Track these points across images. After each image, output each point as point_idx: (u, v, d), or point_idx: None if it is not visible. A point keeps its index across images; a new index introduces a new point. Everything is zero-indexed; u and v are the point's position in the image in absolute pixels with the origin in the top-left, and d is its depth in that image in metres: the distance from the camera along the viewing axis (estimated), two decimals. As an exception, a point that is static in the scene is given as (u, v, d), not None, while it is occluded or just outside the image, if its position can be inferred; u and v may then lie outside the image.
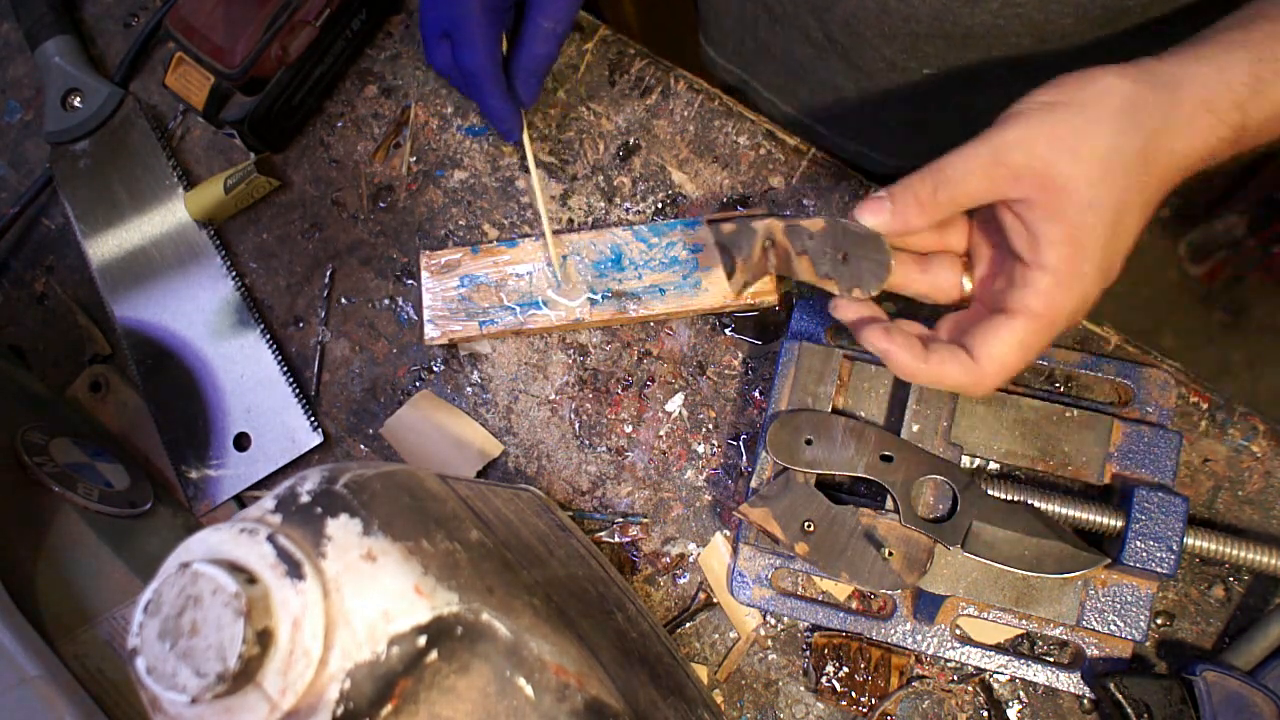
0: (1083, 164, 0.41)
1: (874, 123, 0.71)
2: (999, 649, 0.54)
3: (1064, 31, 0.55)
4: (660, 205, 0.63)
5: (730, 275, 0.52)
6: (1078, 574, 0.50)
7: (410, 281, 0.64)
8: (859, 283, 0.47)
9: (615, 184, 0.63)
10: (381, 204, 0.66)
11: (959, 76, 0.61)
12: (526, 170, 0.64)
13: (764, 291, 0.59)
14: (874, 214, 0.45)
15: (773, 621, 0.57)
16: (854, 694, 0.55)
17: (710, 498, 0.59)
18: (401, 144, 0.66)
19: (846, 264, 0.47)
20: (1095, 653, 0.53)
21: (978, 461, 0.55)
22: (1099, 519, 0.51)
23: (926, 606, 0.53)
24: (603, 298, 0.60)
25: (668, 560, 0.59)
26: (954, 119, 0.58)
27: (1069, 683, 0.53)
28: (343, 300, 0.65)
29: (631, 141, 0.64)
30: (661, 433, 0.60)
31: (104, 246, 0.67)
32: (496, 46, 0.56)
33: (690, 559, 0.59)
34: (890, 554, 0.51)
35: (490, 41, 0.55)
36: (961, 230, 0.48)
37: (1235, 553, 0.51)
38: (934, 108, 0.66)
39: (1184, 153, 0.42)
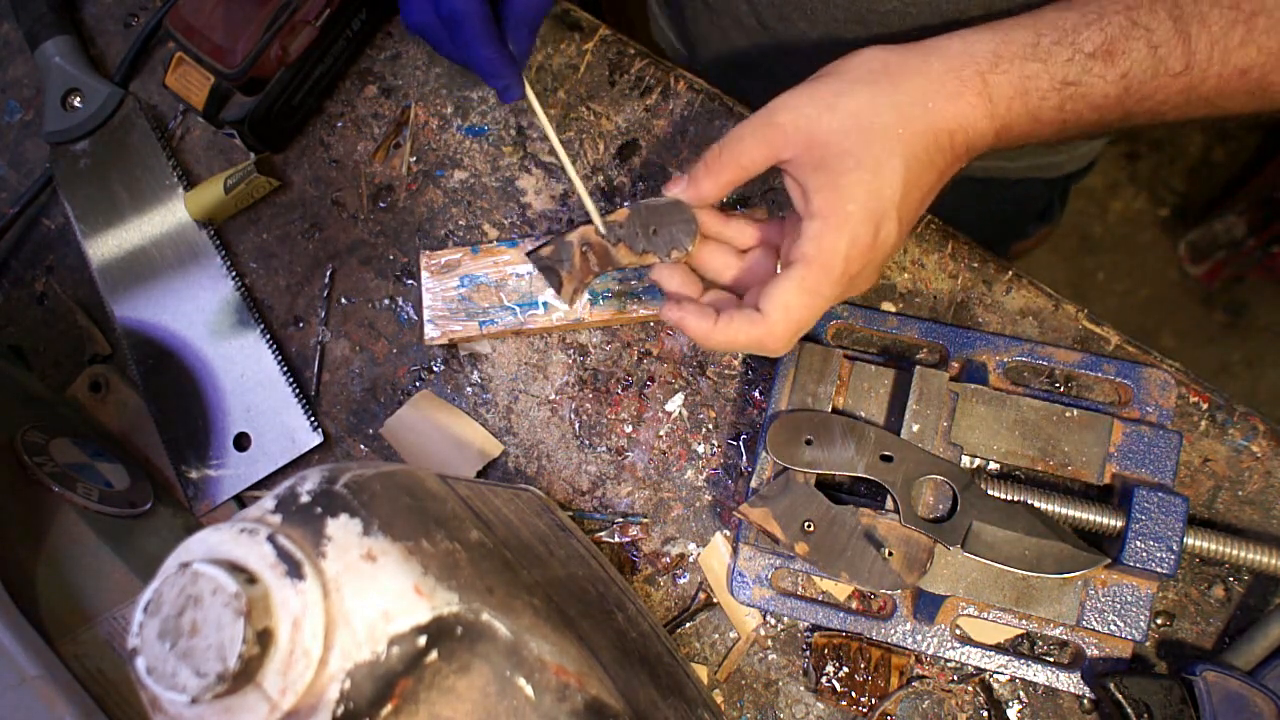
0: (839, 117, 0.45)
1: None
2: (999, 649, 0.54)
3: (972, 20, 0.56)
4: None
5: (559, 291, 0.56)
6: (1078, 574, 0.50)
7: (410, 281, 0.64)
8: (675, 245, 0.52)
9: (615, 184, 0.63)
10: (381, 204, 0.66)
11: None
12: (543, 137, 0.62)
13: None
14: (674, 185, 0.51)
15: (773, 621, 0.57)
16: (854, 694, 0.55)
17: (710, 498, 0.59)
18: (401, 144, 0.66)
19: (658, 235, 0.52)
20: (1095, 653, 0.53)
21: (978, 461, 0.55)
22: (1099, 519, 0.51)
23: (926, 606, 0.53)
24: (603, 298, 0.60)
25: (668, 560, 0.59)
26: None
27: (1069, 683, 0.53)
28: (343, 300, 0.65)
29: (631, 141, 0.64)
30: (661, 433, 0.60)
31: (104, 246, 0.67)
32: None
33: (690, 559, 0.59)
34: (890, 554, 0.51)
35: None
36: (776, 227, 0.53)
37: (1235, 553, 0.51)
38: None
39: (940, 112, 0.45)
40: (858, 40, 0.62)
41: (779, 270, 0.50)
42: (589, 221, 0.55)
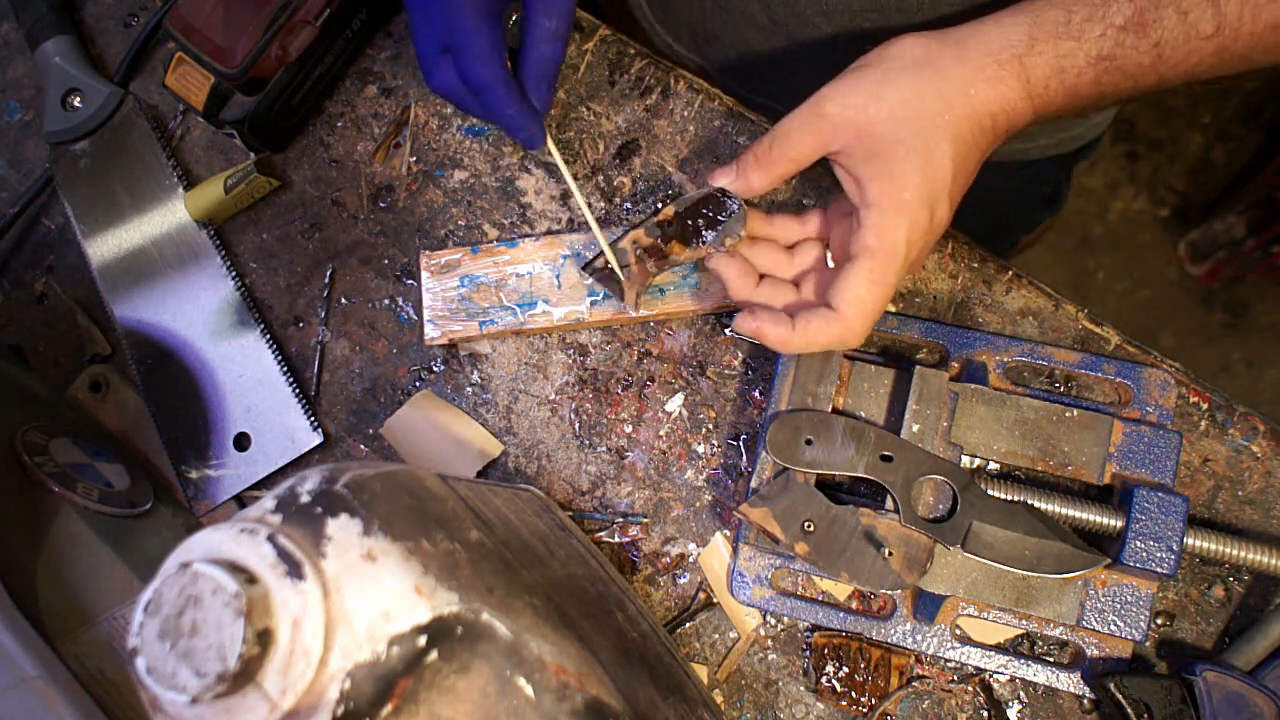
0: (886, 106, 0.46)
1: None
2: (999, 649, 0.54)
3: (995, 4, 0.57)
4: (660, 205, 0.63)
5: (623, 298, 0.56)
6: (1078, 574, 0.50)
7: (410, 281, 0.64)
8: (726, 233, 0.53)
9: (615, 184, 0.63)
10: (381, 204, 0.66)
11: None
12: (560, 178, 0.63)
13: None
14: (723, 176, 0.52)
15: (773, 621, 0.57)
16: (854, 694, 0.55)
17: (710, 498, 0.59)
18: (401, 144, 0.66)
19: (708, 226, 0.53)
20: (1095, 653, 0.53)
21: (977, 461, 0.55)
22: (1099, 519, 0.51)
23: (926, 606, 0.53)
24: (603, 298, 0.60)
25: (668, 560, 0.59)
26: None
27: (1069, 683, 0.53)
28: (343, 300, 0.65)
29: (631, 141, 0.64)
30: (661, 433, 0.60)
31: (104, 246, 0.67)
32: (503, 53, 0.53)
33: (690, 559, 0.59)
34: (890, 554, 0.51)
35: (497, 48, 0.52)
36: (819, 218, 0.54)
37: (1235, 553, 0.51)
38: None
39: (981, 97, 0.47)
40: (875, 31, 0.62)
41: (830, 263, 0.53)
42: (634, 227, 0.56)
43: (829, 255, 0.53)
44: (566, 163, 0.62)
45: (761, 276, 0.54)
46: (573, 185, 0.58)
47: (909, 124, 0.46)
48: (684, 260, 0.55)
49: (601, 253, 0.56)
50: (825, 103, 0.48)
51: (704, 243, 0.53)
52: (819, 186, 0.61)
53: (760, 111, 0.64)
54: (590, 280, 0.59)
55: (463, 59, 0.52)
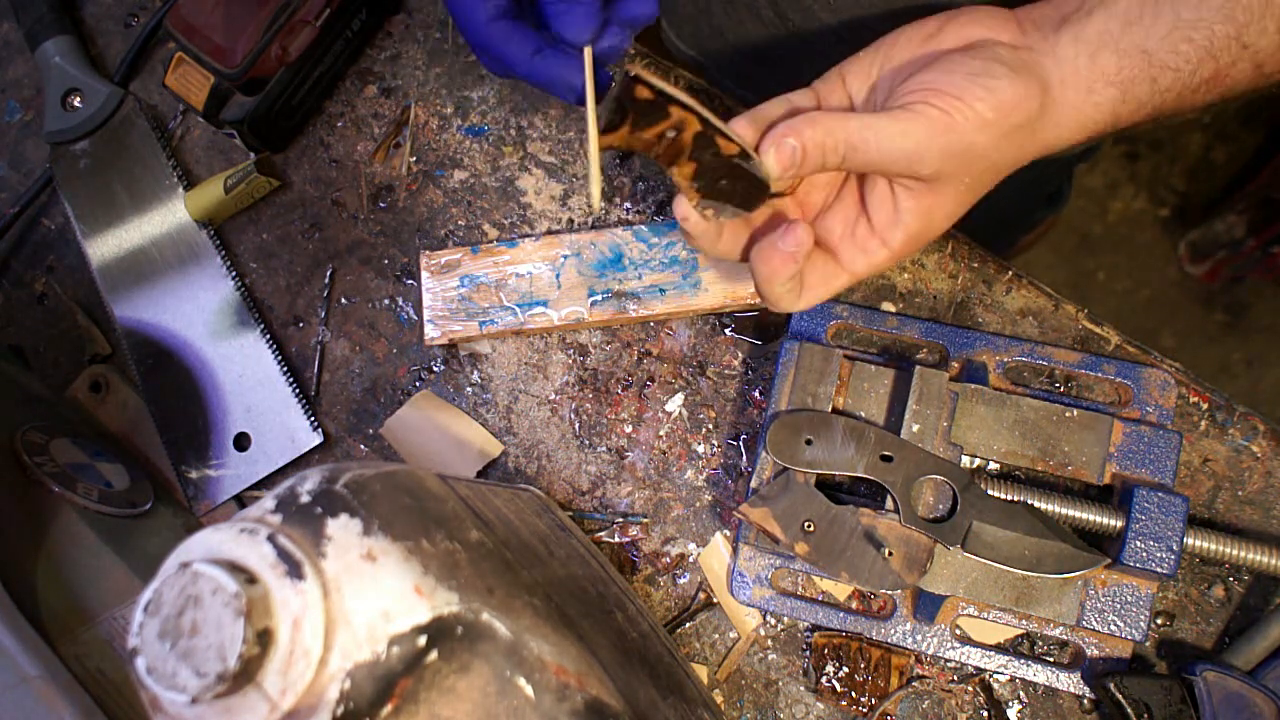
0: (973, 183, 0.44)
1: None
2: (999, 649, 0.54)
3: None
4: (660, 205, 0.63)
5: (604, 131, 0.42)
6: (1078, 574, 0.50)
7: (410, 281, 0.64)
8: (724, 214, 0.46)
9: (615, 184, 0.63)
10: (381, 204, 0.66)
11: None
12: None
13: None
14: (781, 162, 0.43)
15: (773, 621, 0.57)
16: (854, 694, 0.55)
17: (710, 498, 0.59)
18: (401, 144, 0.66)
19: (724, 186, 0.44)
20: (1095, 653, 0.53)
21: (977, 461, 0.55)
22: (1099, 519, 0.51)
23: (926, 606, 0.53)
24: (603, 297, 0.60)
25: (668, 560, 0.59)
26: None
27: (1069, 683, 0.53)
28: (343, 300, 0.65)
29: (631, 141, 0.64)
30: (661, 433, 0.60)
31: (104, 246, 0.67)
32: None
33: (690, 559, 0.59)
34: (890, 554, 0.51)
35: None
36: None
37: (1235, 553, 0.51)
38: None
39: (1042, 143, 0.45)
40: (883, 26, 0.61)
41: (827, 247, 0.48)
42: (695, 107, 0.41)
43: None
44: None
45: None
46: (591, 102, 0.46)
47: (969, 193, 0.45)
48: (675, 178, 0.44)
49: (650, 85, 0.40)
50: (927, 157, 0.43)
51: (699, 193, 0.45)
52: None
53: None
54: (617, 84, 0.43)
55: (465, 35, 0.48)
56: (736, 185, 0.44)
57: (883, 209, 0.46)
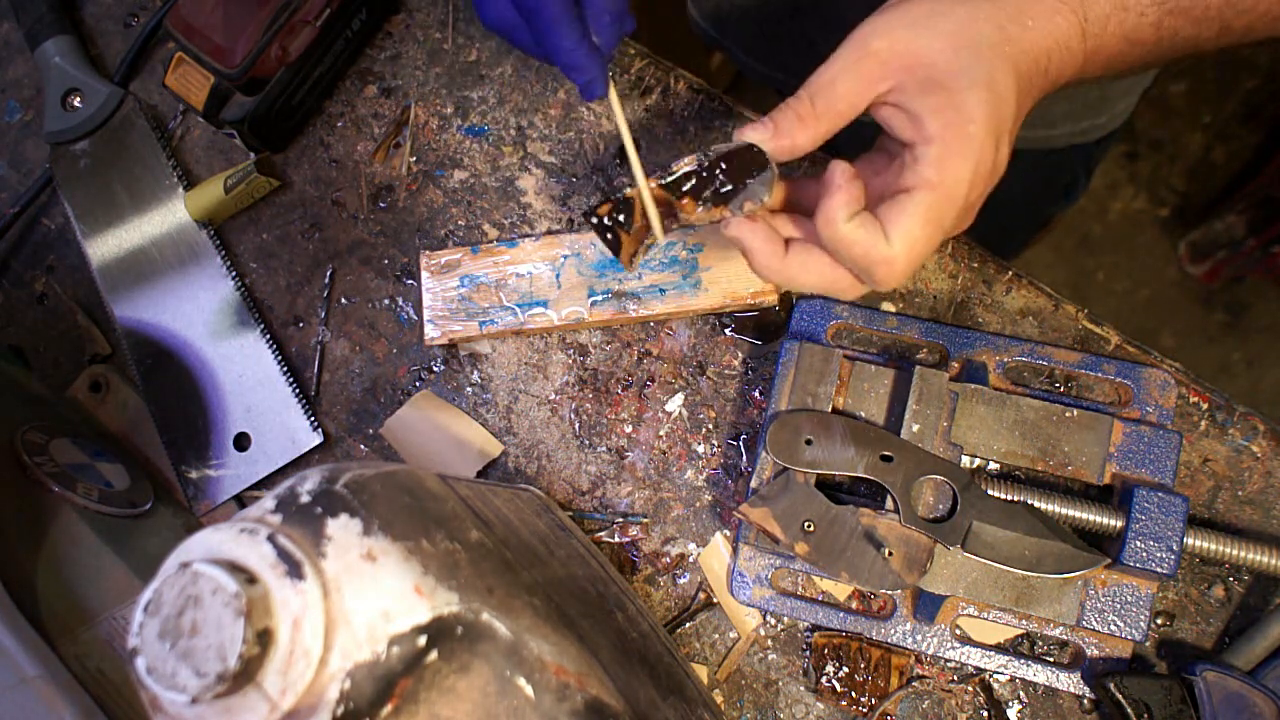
0: (941, 37, 0.41)
1: None
2: (999, 649, 0.54)
3: None
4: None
5: (618, 254, 0.49)
6: (1078, 574, 0.50)
7: (410, 281, 0.64)
8: (750, 196, 0.46)
9: (615, 184, 0.63)
10: (381, 204, 0.66)
11: None
12: (620, 138, 0.55)
13: (764, 291, 0.59)
14: (755, 131, 0.44)
15: (773, 621, 0.57)
16: (854, 694, 0.55)
17: (710, 498, 0.59)
18: (401, 144, 0.66)
19: (729, 186, 0.46)
20: (1095, 653, 0.53)
21: (977, 461, 0.55)
22: (1099, 519, 0.51)
23: (926, 606, 0.53)
24: (603, 297, 0.60)
25: (668, 560, 0.59)
26: None
27: (1069, 683, 0.53)
28: (343, 300, 0.65)
29: (632, 141, 0.64)
30: (661, 433, 0.60)
31: (104, 246, 0.67)
32: None
33: (690, 559, 0.59)
34: (890, 554, 0.51)
35: None
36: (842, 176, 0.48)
37: (1235, 553, 0.51)
38: None
39: (1039, 30, 0.42)
40: None
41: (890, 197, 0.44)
42: (664, 177, 0.47)
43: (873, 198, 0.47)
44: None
45: (787, 242, 0.47)
46: (627, 139, 0.50)
47: (969, 52, 0.41)
48: (694, 221, 0.47)
49: (607, 199, 0.48)
50: (871, 39, 0.42)
51: (719, 203, 0.46)
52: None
53: (768, 85, 0.61)
54: (592, 230, 0.50)
55: None
56: (736, 175, 0.46)
57: (900, 120, 0.43)
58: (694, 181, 0.46)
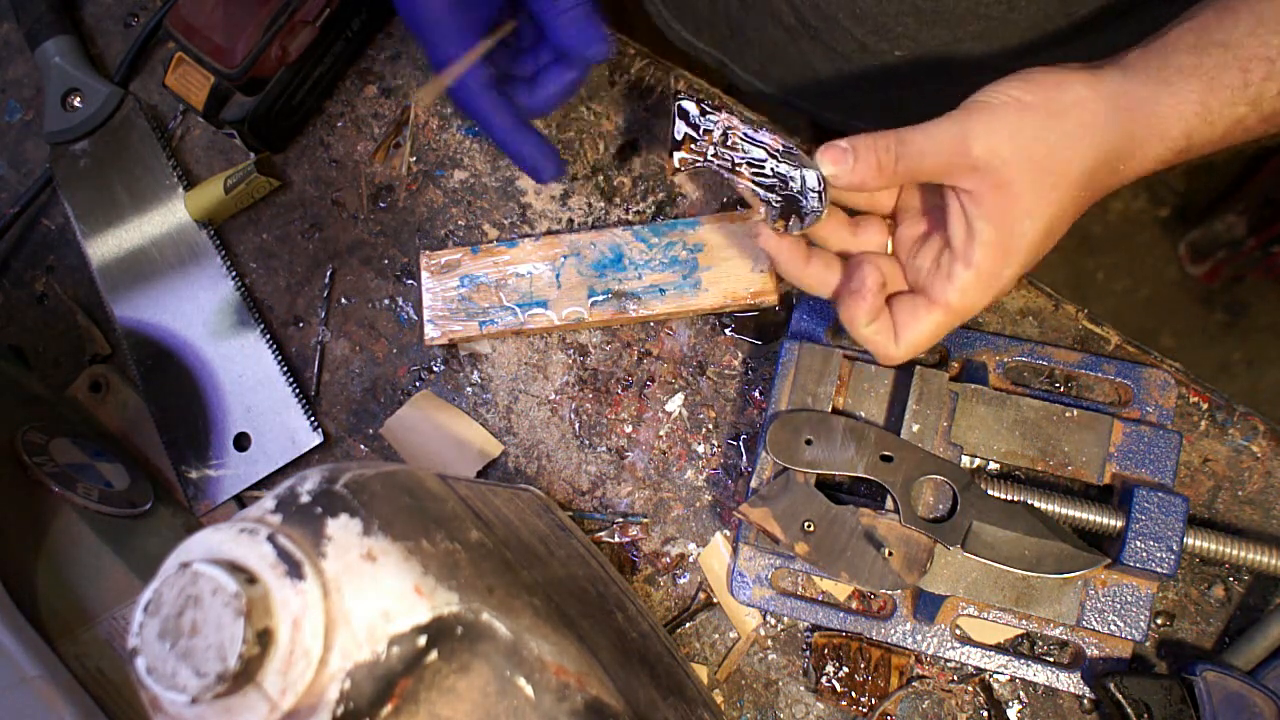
0: (1037, 176, 0.42)
1: (852, 103, 0.71)
2: (999, 649, 0.54)
3: (1053, 27, 0.55)
4: (660, 205, 0.63)
5: (675, 149, 0.49)
6: (1078, 574, 0.50)
7: (410, 281, 0.64)
8: (794, 214, 0.47)
9: (615, 184, 0.63)
10: (381, 204, 0.66)
11: (931, 59, 0.61)
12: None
13: (764, 291, 0.59)
14: (836, 162, 0.44)
15: (773, 621, 0.57)
16: (854, 694, 0.55)
17: (710, 498, 0.59)
18: (401, 144, 0.66)
19: (785, 193, 0.47)
20: (1095, 653, 0.53)
21: (977, 461, 0.55)
22: (1099, 519, 0.51)
23: (926, 606, 0.53)
24: (603, 297, 0.60)
25: (668, 560, 0.59)
26: (930, 102, 0.58)
27: (1069, 683, 0.53)
28: (343, 300, 0.65)
29: (631, 141, 0.64)
30: (661, 433, 0.60)
31: (104, 246, 0.67)
32: (486, 78, 0.50)
33: (690, 559, 0.59)
34: (890, 554, 0.51)
35: (478, 75, 0.49)
36: (892, 194, 0.49)
37: (1235, 553, 0.51)
38: (909, 90, 0.66)
39: (1127, 174, 0.44)
40: (908, 35, 0.59)
41: (915, 291, 0.48)
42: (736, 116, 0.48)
43: (889, 242, 0.49)
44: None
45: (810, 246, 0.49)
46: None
47: (1050, 203, 0.42)
48: (739, 190, 0.48)
49: (700, 101, 0.49)
50: (973, 140, 0.42)
51: (765, 200, 0.47)
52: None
53: (784, 109, 0.61)
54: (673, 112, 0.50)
55: (454, 95, 0.51)
56: (796, 188, 0.46)
57: (957, 225, 0.44)
58: (764, 163, 0.47)
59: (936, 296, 0.45)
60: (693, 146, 0.49)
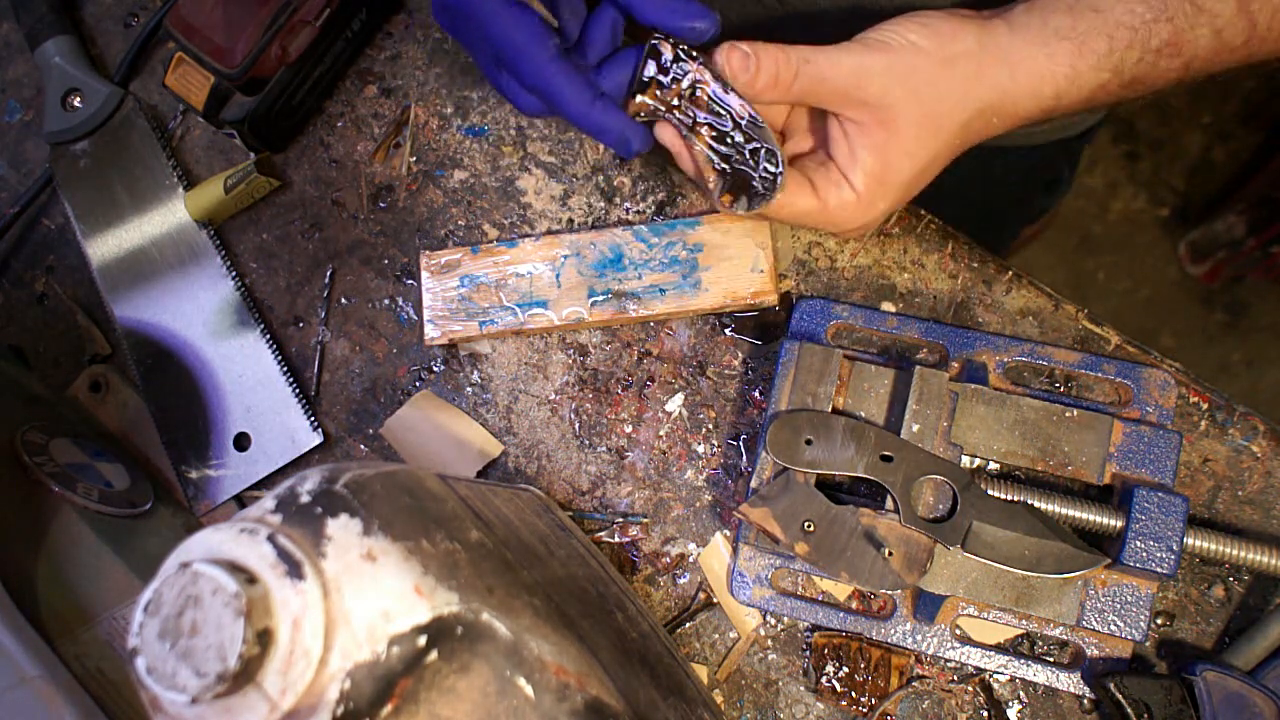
0: (922, 121, 0.46)
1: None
2: (999, 649, 0.54)
3: None
4: (660, 205, 0.63)
5: (634, 94, 0.48)
6: (1078, 574, 0.50)
7: (410, 281, 0.64)
8: (743, 192, 0.48)
9: (615, 184, 0.63)
10: (381, 204, 0.66)
11: (856, 7, 0.62)
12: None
13: (764, 291, 0.59)
14: (741, 69, 0.46)
15: (773, 621, 0.57)
16: (854, 694, 0.55)
17: (710, 498, 0.59)
18: (401, 144, 0.66)
19: (738, 166, 0.48)
20: (1095, 653, 0.53)
21: (977, 461, 0.55)
22: (1099, 519, 0.51)
23: (926, 606, 0.53)
24: (603, 297, 0.60)
25: (668, 560, 0.59)
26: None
27: (1069, 683, 0.53)
28: (343, 300, 0.65)
29: (631, 141, 0.64)
30: (661, 433, 0.60)
31: (104, 246, 0.67)
32: (556, 53, 0.47)
33: (690, 559, 0.59)
34: (890, 554, 0.51)
35: (545, 47, 0.47)
36: (782, 111, 0.52)
37: (1235, 553, 0.51)
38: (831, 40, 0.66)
39: (999, 127, 0.47)
40: (877, 10, 0.60)
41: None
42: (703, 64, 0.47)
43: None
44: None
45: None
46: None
47: (929, 144, 0.46)
48: (693, 148, 0.48)
49: (676, 49, 0.47)
50: (871, 78, 0.45)
51: (718, 169, 0.48)
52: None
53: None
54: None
55: (520, 72, 0.48)
56: (751, 160, 0.48)
57: (841, 149, 0.47)
58: (724, 129, 0.47)
59: (819, 190, 0.48)
60: (657, 93, 0.48)
